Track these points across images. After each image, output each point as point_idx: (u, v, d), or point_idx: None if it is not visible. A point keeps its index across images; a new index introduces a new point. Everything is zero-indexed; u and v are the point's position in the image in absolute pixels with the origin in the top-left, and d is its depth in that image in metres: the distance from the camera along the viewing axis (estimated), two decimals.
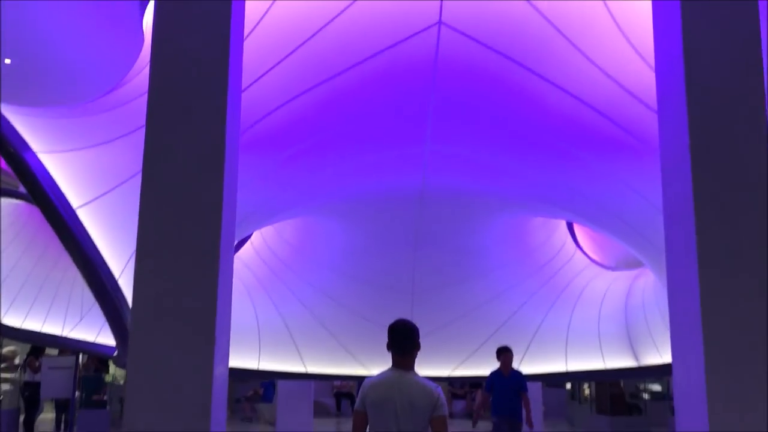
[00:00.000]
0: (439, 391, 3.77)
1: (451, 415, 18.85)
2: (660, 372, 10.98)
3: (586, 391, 17.13)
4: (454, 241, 10.79)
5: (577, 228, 12.94)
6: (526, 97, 7.43)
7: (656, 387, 18.03)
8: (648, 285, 10.47)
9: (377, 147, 8.21)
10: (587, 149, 7.76)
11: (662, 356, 10.10)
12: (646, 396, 16.89)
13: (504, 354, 9.20)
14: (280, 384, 12.88)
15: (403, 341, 3.85)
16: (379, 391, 3.73)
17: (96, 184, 6.33)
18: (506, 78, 7.34)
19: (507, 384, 8.86)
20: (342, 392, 19.66)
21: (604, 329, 11.38)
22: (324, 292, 11.67)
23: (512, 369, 9.09)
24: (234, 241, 3.85)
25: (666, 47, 3.83)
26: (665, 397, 17.71)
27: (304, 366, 11.77)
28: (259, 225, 9.43)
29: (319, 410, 19.70)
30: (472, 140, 8.10)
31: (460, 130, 8.01)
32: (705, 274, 3.21)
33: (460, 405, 19.17)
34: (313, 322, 11.65)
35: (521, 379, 8.94)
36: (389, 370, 3.86)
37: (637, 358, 10.81)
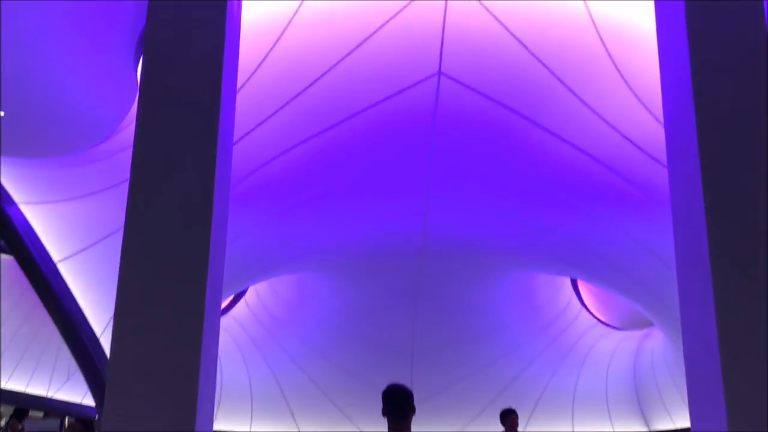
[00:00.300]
0: None
1: None
2: None
3: None
4: (455, 299, 10.44)
5: (581, 285, 12.59)
6: (529, 148, 7.22)
7: None
8: (657, 346, 10.06)
9: (376, 199, 7.97)
10: (593, 202, 7.50)
11: (674, 422, 9.62)
12: None
13: (509, 417, 8.73)
14: None
15: (397, 407, 3.72)
16: None
17: (80, 237, 6.05)
18: (509, 129, 7.15)
19: None
20: None
21: (612, 391, 10.91)
22: (318, 351, 11.24)
23: None
24: (221, 299, 3.54)
25: (675, 94, 3.61)
26: None
27: (297, 427, 11.24)
28: (252, 281, 9.11)
29: None
30: (474, 193, 7.86)
31: (461, 183, 7.78)
32: (723, 328, 2.89)
33: None
34: (306, 382, 11.18)
35: None
36: None
37: (647, 424, 10.31)
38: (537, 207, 7.74)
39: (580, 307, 11.97)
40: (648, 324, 11.45)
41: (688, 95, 3.58)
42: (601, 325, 11.73)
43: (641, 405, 10.38)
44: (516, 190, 7.69)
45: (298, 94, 6.88)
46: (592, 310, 12.34)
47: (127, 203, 3.21)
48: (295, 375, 11.18)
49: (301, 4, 6.32)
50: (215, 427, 11.30)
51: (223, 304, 12.56)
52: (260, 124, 7.03)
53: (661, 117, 7.04)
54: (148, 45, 3.61)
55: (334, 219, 8.14)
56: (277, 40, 6.58)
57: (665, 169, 3.64)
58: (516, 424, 8.55)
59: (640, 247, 7.50)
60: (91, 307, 5.95)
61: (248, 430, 11.03)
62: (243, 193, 7.11)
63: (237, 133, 5.40)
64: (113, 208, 6.04)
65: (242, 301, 12.09)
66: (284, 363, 11.35)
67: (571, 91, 6.85)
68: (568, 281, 11.96)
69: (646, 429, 10.27)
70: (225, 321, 11.82)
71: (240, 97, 4.03)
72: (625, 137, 7.11)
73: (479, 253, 9.02)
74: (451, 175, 7.79)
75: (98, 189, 6.28)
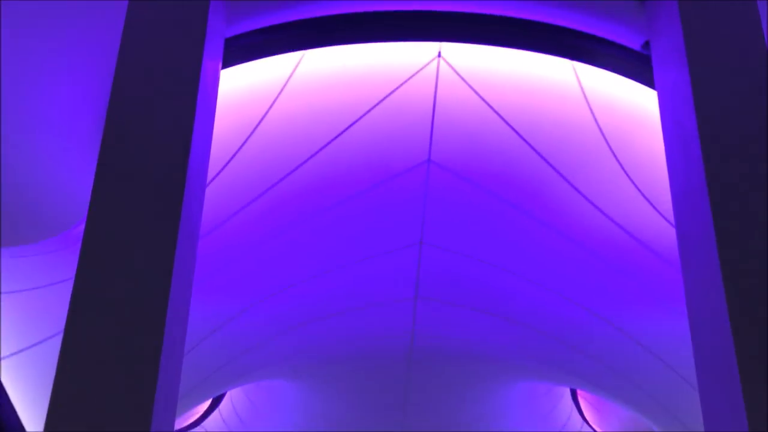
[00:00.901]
0: None
1: None
2: None
3: None
4: (446, 413, 9.61)
5: (581, 397, 11.75)
6: (525, 241, 6.71)
7: None
8: None
9: (360, 298, 7.35)
10: (595, 301, 6.91)
11: None
12: None
13: None
14: None
15: None
16: None
17: (21, 334, 5.39)
18: (503, 222, 6.67)
19: None
20: None
21: None
22: None
23: None
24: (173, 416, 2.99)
25: (685, 174, 3.20)
26: None
27: None
28: (223, 387, 8.27)
29: None
30: (466, 291, 7.27)
31: (451, 280, 7.20)
32: None
33: None
34: None
35: None
36: None
37: None
38: (537, 306, 7.13)
39: (582, 423, 11.07)
40: None
41: (700, 174, 3.16)
42: None
43: None
44: (514, 289, 7.11)
45: (279, 182, 6.45)
46: (592, 424, 11.43)
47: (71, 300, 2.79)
48: None
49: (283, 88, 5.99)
50: None
51: (196, 416, 11.60)
52: (234, 214, 6.54)
53: (663, 210, 6.61)
54: (110, 119, 3.26)
55: (313, 322, 7.48)
56: (258, 124, 6.21)
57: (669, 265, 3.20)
58: None
59: (646, 352, 6.85)
60: (28, 412, 5.20)
61: None
62: (209, 286, 6.50)
63: (207, 222, 4.90)
64: (59, 306, 5.42)
65: (216, 412, 11.16)
66: None
67: (572, 184, 6.44)
68: (567, 394, 11.13)
69: None
70: None
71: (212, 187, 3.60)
72: (631, 234, 6.64)
73: (471, 360, 8.29)
74: (441, 271, 7.23)
75: (42, 284, 5.69)
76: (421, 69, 5.54)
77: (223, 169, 6.18)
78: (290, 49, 4.92)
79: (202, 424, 10.89)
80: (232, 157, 6.32)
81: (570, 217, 6.62)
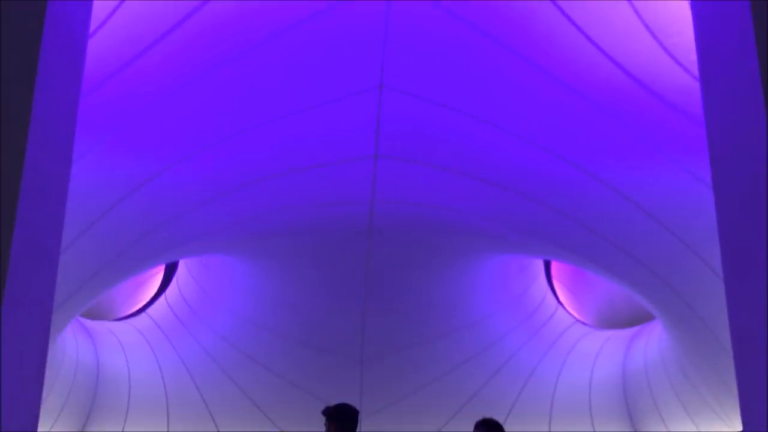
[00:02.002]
0: None
1: None
2: None
3: None
4: (412, 291, 8.77)
5: (555, 281, 11.07)
6: (506, 84, 5.60)
7: None
8: (651, 345, 8.51)
9: (307, 156, 6.22)
10: (585, 156, 5.89)
11: (667, 425, 8.10)
12: None
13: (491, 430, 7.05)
14: None
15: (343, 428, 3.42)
16: None
17: None
18: (483, 61, 5.52)
19: None
20: None
21: (597, 398, 9.30)
22: (248, 354, 9.43)
23: None
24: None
25: None
26: None
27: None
28: (146, 264, 7.17)
29: None
30: (434, 147, 6.19)
31: (417, 134, 6.11)
32: None
33: None
34: (233, 391, 9.36)
35: None
36: None
37: (633, 426, 8.76)
38: (516, 159, 6.09)
39: (557, 305, 10.41)
40: (635, 322, 9.96)
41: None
42: (581, 324, 10.18)
43: (630, 412, 8.82)
44: (491, 143, 6.04)
45: (201, 7, 5.15)
46: (568, 309, 10.80)
47: None
48: (221, 382, 9.36)
49: None
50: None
51: (140, 304, 10.69)
52: (146, 50, 5.26)
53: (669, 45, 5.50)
54: None
55: (250, 184, 6.35)
56: None
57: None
58: None
59: (645, 216, 5.92)
60: None
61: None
62: (126, 138, 5.32)
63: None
64: None
65: (162, 298, 10.25)
66: (209, 369, 9.51)
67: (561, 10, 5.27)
68: (542, 274, 10.40)
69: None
70: (141, 321, 9.96)
71: None
72: (626, 71, 5.54)
73: (437, 230, 7.32)
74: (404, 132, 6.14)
75: None
76: None
77: None
78: None
79: (147, 311, 10.00)
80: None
81: (558, 53, 5.49)
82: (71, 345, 8.39)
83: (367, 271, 8.04)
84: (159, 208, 5.84)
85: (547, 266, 11.00)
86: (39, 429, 2.19)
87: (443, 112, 5.92)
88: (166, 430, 9.24)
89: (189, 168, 5.69)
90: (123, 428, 9.08)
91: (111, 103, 5.19)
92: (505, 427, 9.50)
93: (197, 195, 5.96)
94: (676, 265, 5.86)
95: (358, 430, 3.73)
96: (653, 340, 8.48)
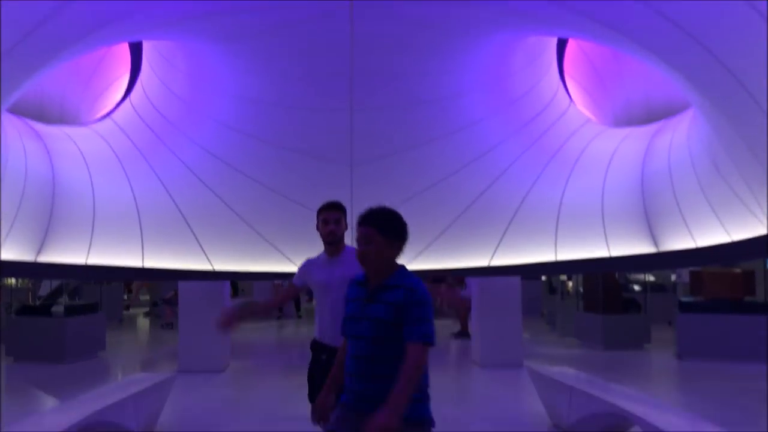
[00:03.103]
0: None
1: None
2: (691, 260, 8.18)
3: (569, 284, 14.62)
4: (401, 86, 7.62)
5: (568, 79, 9.85)
6: None
7: (652, 278, 15.61)
8: (679, 142, 7.46)
9: None
10: None
11: (696, 238, 7.30)
12: (637, 288, 14.46)
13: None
14: (182, 287, 9.90)
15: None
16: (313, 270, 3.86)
17: None
18: None
19: None
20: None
21: (610, 205, 8.40)
22: (226, 161, 8.49)
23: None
24: None
25: None
26: (666, 289, 15.32)
27: (210, 263, 8.76)
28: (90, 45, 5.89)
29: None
30: None
31: None
32: None
33: None
34: (214, 204, 8.53)
35: None
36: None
37: (656, 243, 8.00)
38: None
39: (569, 103, 9.27)
40: (657, 117, 8.86)
41: None
42: (596, 123, 9.11)
43: (650, 220, 8.01)
44: None
45: None
46: (583, 109, 9.68)
47: None
48: (199, 193, 8.50)
49: None
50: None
51: (105, 109, 9.58)
52: None
53: None
54: None
55: None
56: None
57: None
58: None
59: None
60: None
61: (140, 264, 8.50)
62: None
63: None
64: None
65: (126, 102, 9.12)
66: (187, 181, 8.61)
67: None
68: (554, 67, 9.17)
69: (654, 250, 7.97)
70: (105, 126, 8.89)
71: None
72: None
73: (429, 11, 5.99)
74: None
75: None
76: None
77: None
78: None
79: (111, 116, 8.92)
80: None
81: None
82: (17, 153, 7.39)
83: (351, 58, 6.83)
84: None
85: (560, 62, 9.75)
86: None
87: None
88: (140, 254, 8.52)
89: None
90: (87, 253, 8.28)
91: None
92: (508, 236, 8.72)
93: None
94: (721, 26, 4.65)
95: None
96: (679, 136, 7.44)
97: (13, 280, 13.23)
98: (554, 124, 8.82)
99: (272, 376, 9.41)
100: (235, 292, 18.78)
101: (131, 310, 18.51)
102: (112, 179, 8.27)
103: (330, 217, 3.89)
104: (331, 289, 3.77)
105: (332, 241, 3.88)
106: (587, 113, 9.33)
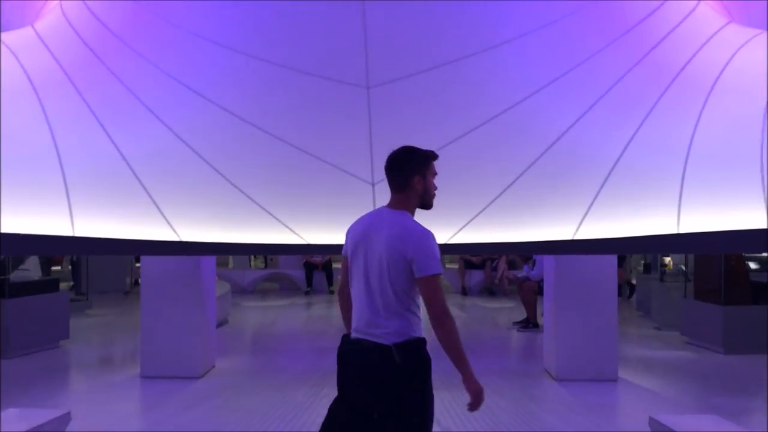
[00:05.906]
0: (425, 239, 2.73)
1: (465, 292, 13.75)
2: None
3: (668, 260, 11.55)
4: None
5: None
6: None
7: None
8: None
9: None
10: None
11: None
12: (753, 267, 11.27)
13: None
14: (145, 264, 7.38)
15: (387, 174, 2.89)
16: (355, 233, 2.92)
17: None
18: None
19: None
20: (312, 263, 14.59)
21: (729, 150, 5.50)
22: (195, 87, 5.90)
23: None
24: None
25: None
26: None
27: (175, 232, 6.19)
28: None
29: (288, 286, 15.13)
30: None
31: None
32: None
33: (476, 277, 14.22)
34: (174, 148, 5.95)
35: None
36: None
37: None
38: None
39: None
40: None
41: None
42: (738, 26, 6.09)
43: None
44: None
45: None
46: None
47: None
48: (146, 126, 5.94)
49: None
50: None
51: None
52: None
53: None
54: None
55: None
56: None
57: None
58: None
59: None
60: None
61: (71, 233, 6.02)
62: None
63: None
64: None
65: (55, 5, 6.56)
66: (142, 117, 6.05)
67: None
68: None
69: None
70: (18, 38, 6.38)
71: None
72: None
73: None
74: None
75: None
76: None
77: None
78: None
79: (34, 25, 6.39)
80: None
81: None
82: None
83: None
84: None
85: None
86: None
87: None
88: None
89: None
90: None
91: None
92: (603, 195, 6.09)
93: None
94: None
95: None
96: None
97: None
98: (676, 28, 5.85)
99: (280, 384, 6.75)
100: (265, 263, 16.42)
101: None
102: (22, 110, 5.76)
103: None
104: None
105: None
106: (723, 13, 6.27)
